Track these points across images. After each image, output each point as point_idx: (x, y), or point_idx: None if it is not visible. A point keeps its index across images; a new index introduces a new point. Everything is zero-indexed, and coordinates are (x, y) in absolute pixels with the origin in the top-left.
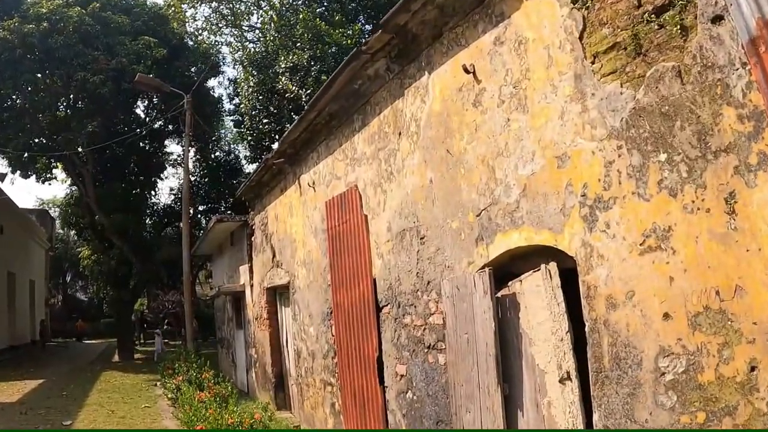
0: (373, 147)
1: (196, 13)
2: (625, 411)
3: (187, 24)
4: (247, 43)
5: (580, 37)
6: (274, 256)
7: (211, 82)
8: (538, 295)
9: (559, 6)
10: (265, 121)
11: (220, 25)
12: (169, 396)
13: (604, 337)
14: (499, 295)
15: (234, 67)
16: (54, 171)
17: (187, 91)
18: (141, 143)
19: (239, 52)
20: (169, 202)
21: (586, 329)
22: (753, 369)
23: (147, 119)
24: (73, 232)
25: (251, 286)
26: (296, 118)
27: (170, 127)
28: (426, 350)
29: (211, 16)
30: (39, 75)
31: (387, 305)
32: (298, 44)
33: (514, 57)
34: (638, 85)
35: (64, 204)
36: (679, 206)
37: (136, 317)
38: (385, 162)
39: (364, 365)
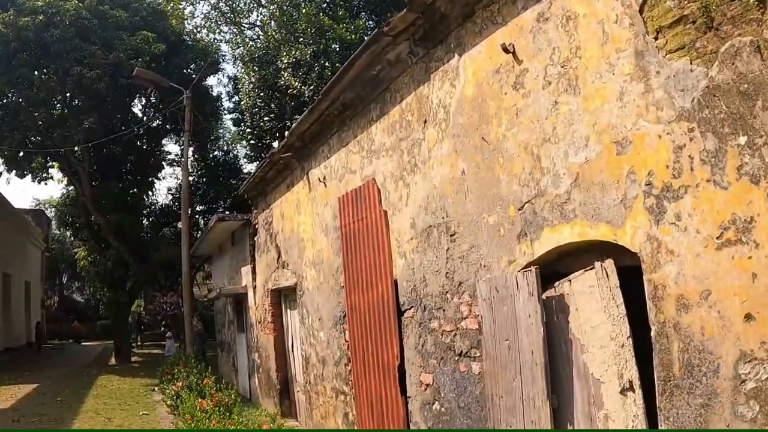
0: (394, 137)
1: (195, 10)
2: (698, 423)
3: (185, 21)
4: (247, 40)
5: (641, 11)
6: (279, 256)
7: (210, 81)
8: (591, 296)
9: None
10: (266, 118)
11: (219, 23)
12: (168, 403)
13: (674, 341)
14: (544, 297)
15: (233, 65)
16: (50, 170)
17: (185, 88)
18: (138, 142)
19: (239, 49)
20: (167, 202)
21: (652, 333)
22: None
23: (144, 117)
24: (69, 233)
25: (254, 287)
26: (297, 116)
27: (168, 125)
28: (457, 358)
29: (210, 13)
30: (35, 71)
31: (410, 309)
32: (301, 39)
33: (561, 34)
34: (711, 61)
35: (60, 204)
36: (763, 195)
37: (133, 319)
38: (407, 153)
39: (383, 373)
